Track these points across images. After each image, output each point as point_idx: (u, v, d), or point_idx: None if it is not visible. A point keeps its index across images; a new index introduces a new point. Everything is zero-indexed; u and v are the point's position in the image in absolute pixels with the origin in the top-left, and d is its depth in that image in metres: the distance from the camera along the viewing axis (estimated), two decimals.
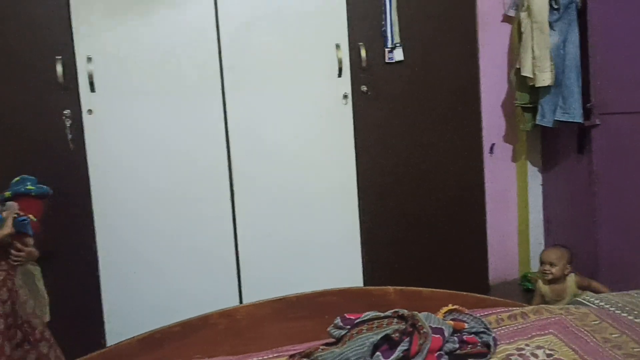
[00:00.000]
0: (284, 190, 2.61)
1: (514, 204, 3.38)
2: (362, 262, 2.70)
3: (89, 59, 2.38)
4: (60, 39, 2.37)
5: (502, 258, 3.29)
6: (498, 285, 2.99)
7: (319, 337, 1.63)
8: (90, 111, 2.41)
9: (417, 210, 2.74)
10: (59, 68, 2.35)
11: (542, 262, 2.81)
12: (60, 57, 2.36)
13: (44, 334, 1.91)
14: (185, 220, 2.53)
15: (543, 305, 1.75)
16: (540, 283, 2.77)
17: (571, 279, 2.73)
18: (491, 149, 3.27)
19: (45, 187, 1.97)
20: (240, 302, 2.59)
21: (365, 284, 2.67)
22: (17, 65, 2.36)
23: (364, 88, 2.64)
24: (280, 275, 2.60)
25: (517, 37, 3.18)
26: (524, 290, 3.19)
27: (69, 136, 2.38)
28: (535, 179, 3.40)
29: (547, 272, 2.74)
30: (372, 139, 2.67)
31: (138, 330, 1.84)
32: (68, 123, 2.38)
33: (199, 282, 2.55)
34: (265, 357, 1.61)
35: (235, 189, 2.56)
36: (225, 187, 2.55)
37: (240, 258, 2.59)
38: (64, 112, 2.38)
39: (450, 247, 2.78)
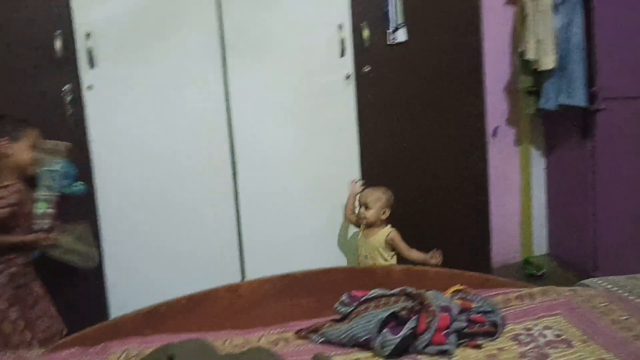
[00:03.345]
0: (288, 170, 2.58)
1: (517, 187, 3.37)
2: None
3: (88, 35, 2.33)
4: (59, 13, 2.32)
5: (505, 241, 3.28)
6: (500, 268, 2.98)
7: (324, 314, 1.62)
8: (90, 87, 2.37)
9: (420, 193, 2.72)
10: (58, 43, 2.30)
11: (359, 204, 2.50)
12: (59, 31, 2.31)
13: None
14: (189, 193, 2.50)
15: (551, 287, 1.74)
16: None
17: (385, 232, 2.45)
18: (494, 132, 3.24)
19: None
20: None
21: None
22: (14, 41, 2.30)
23: (366, 69, 2.60)
24: (284, 261, 2.57)
25: (520, 20, 3.15)
26: (526, 275, 3.18)
27: (69, 111, 2.34)
28: (538, 162, 3.39)
29: (362, 216, 2.46)
30: (375, 119, 2.64)
31: (140, 305, 1.81)
32: (68, 99, 2.34)
33: (202, 260, 2.52)
34: (272, 332, 1.60)
35: (237, 167, 2.53)
36: (226, 163, 2.52)
37: (243, 243, 2.57)
38: (64, 88, 2.34)
39: (453, 229, 2.76)
